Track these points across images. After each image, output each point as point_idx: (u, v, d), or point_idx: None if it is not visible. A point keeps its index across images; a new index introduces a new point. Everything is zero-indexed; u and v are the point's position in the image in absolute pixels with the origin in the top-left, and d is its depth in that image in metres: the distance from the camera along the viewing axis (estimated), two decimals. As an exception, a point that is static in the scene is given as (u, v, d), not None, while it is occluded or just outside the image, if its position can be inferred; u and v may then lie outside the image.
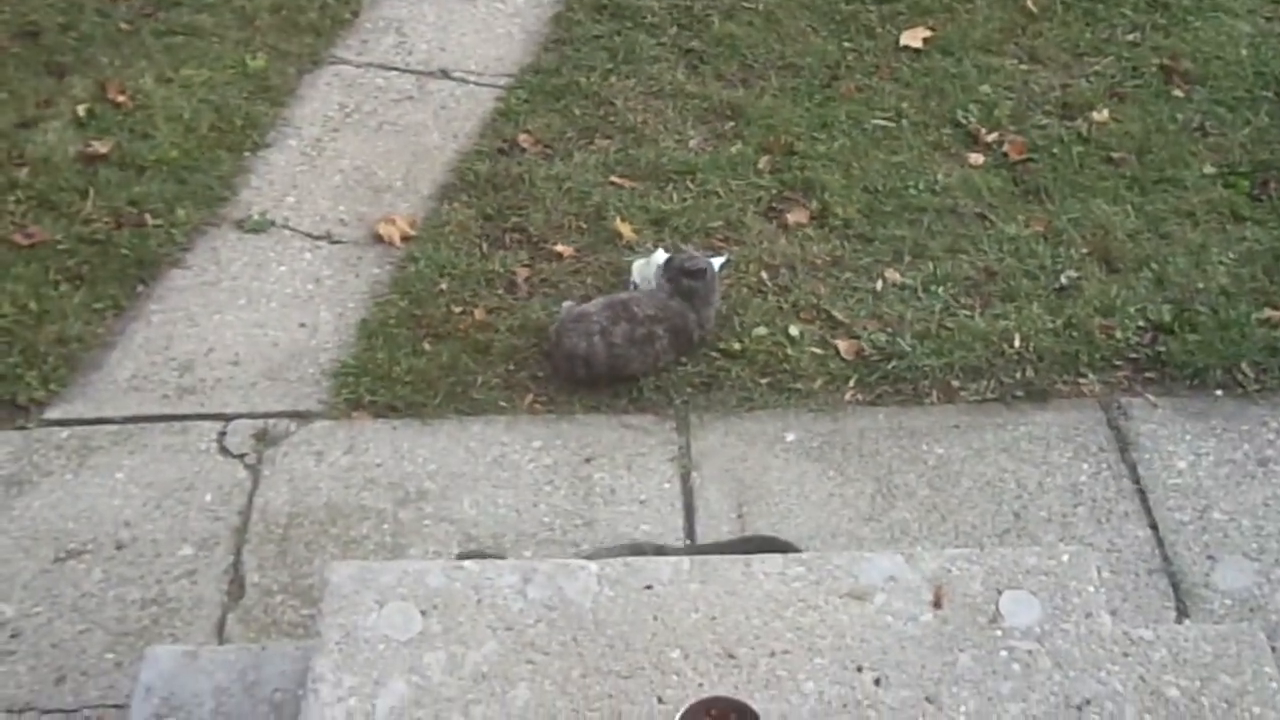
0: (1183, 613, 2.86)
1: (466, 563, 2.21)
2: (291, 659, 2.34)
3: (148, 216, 3.79)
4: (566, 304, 3.47)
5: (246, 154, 4.06)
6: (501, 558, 2.95)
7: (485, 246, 3.73)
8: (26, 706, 2.73)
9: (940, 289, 3.58)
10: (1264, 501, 3.08)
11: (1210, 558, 2.97)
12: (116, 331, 3.52)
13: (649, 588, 2.16)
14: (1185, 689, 2.06)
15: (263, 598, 2.90)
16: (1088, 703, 2.01)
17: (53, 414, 3.31)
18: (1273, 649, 2.21)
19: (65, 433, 3.26)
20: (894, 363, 3.38)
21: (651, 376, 3.36)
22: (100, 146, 3.97)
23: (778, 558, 2.18)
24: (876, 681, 2.03)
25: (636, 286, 3.51)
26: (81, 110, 4.10)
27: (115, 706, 2.68)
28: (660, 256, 3.49)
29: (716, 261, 3.51)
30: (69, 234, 3.72)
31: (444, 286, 3.60)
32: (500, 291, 3.60)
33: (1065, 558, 2.19)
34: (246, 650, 2.44)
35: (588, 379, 3.33)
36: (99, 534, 3.03)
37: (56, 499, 3.11)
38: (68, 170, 3.91)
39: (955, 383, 3.36)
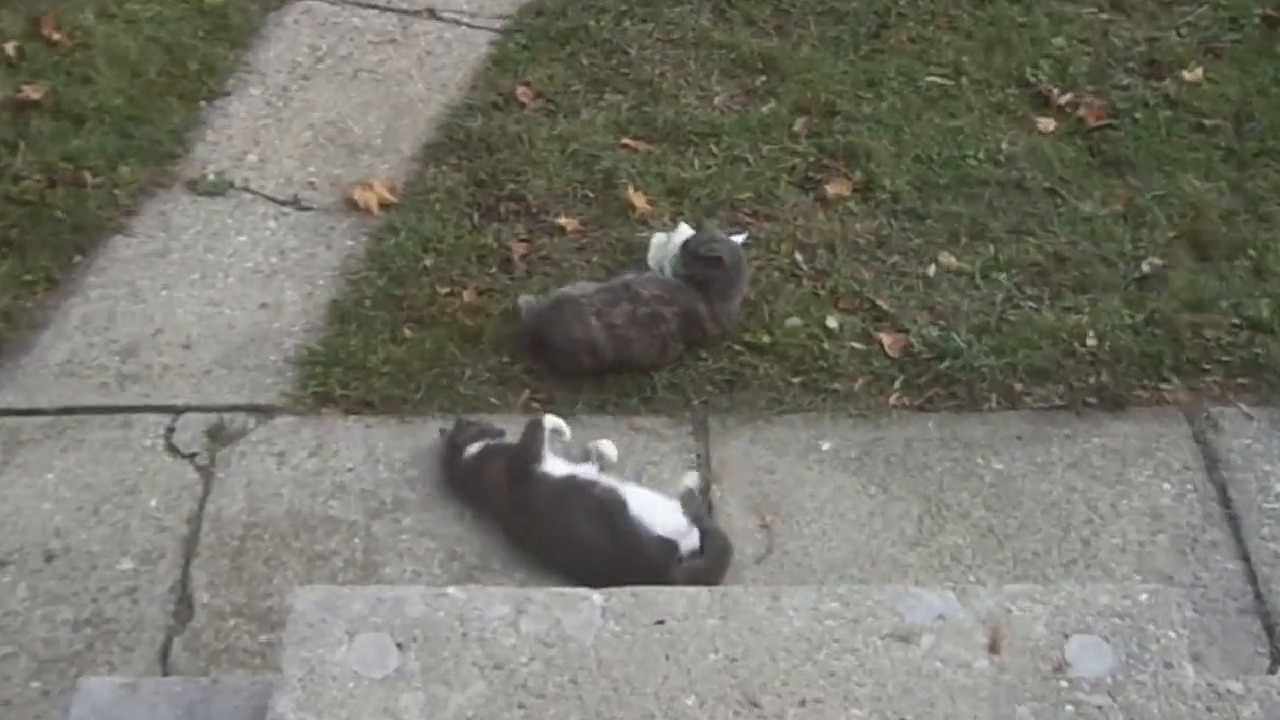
0: (1278, 660, 2.87)
1: (451, 590, 2.22)
2: (246, 695, 2.35)
3: (86, 174, 3.80)
4: (524, 299, 3.47)
5: (201, 103, 4.06)
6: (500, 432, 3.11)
7: (476, 217, 3.73)
8: (-60, 740, 2.75)
9: (1002, 276, 3.58)
10: (1373, 531, 3.09)
11: (1310, 596, 2.98)
12: (49, 308, 3.53)
13: (660, 623, 2.16)
14: (1278, 752, 2.06)
15: (213, 621, 2.91)
16: (1166, 767, 2.02)
17: (-26, 402, 3.33)
18: (1381, 705, 2.21)
19: (-11, 424, 3.28)
20: (947, 361, 3.39)
21: (665, 371, 3.37)
22: (32, 92, 3.98)
23: (810, 592, 2.19)
24: (922, 737, 2.04)
25: (651, 269, 3.49)
26: (11, 49, 4.11)
27: (42, 742, 2.71)
28: (684, 234, 3.48)
29: (737, 239, 3.50)
30: (-5, 194, 3.75)
31: (428, 263, 3.60)
32: (493, 270, 3.60)
33: (1143, 597, 2.19)
34: (194, 683, 2.45)
35: (593, 367, 3.33)
36: (25, 543, 3.04)
37: (-22, 501, 3.13)
38: (-6, 119, 3.93)
39: (1018, 386, 3.36)
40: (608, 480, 3.03)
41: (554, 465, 3.06)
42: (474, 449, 3.10)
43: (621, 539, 2.93)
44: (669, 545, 2.91)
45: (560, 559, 2.95)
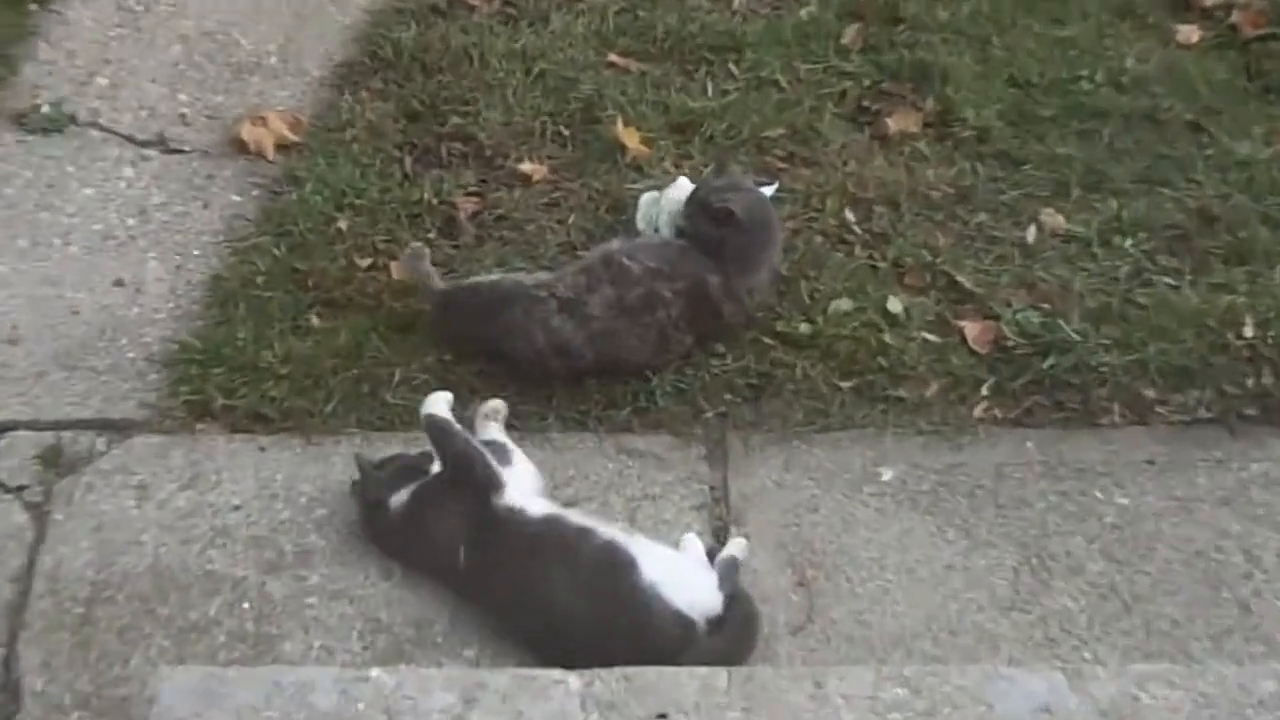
0: None
1: (375, 672, 2.21)
2: (94, 817, 2.35)
3: (-124, 106, 3.82)
4: (414, 246, 3.47)
5: (33, 8, 4.06)
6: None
7: (409, 163, 3.75)
8: None
9: (1128, 242, 3.59)
10: None
11: None
12: None
13: (663, 717, 2.16)
14: None
15: (49, 714, 2.89)
16: None
17: None
18: None
19: None
20: (1053, 359, 3.38)
21: (668, 373, 3.36)
22: None
23: (866, 674, 2.18)
24: None
25: (640, 233, 3.49)
26: None
27: None
28: (684, 189, 3.47)
29: (766, 190, 3.49)
30: None
31: (343, 225, 3.61)
32: (432, 234, 3.61)
33: (1322, 682, 2.20)
34: (22, 801, 2.45)
35: (566, 373, 3.33)
36: None
37: None
38: None
39: (1150, 392, 3.36)
40: (609, 529, 2.96)
41: (522, 496, 3.01)
42: (401, 497, 3.06)
43: (626, 611, 2.86)
44: (688, 625, 2.85)
45: (531, 632, 2.91)
